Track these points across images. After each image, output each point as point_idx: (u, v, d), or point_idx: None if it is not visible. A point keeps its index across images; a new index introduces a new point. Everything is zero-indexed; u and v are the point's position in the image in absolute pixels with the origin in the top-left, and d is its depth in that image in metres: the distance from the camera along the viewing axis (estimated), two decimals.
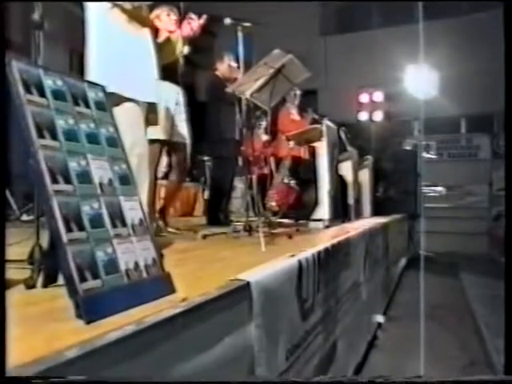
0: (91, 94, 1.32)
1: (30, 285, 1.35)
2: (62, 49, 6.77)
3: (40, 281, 1.36)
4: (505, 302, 1.71)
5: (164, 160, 3.35)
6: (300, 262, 1.82)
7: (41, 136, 1.09)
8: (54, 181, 1.06)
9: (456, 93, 6.75)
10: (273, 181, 3.55)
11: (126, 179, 1.29)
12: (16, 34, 6.33)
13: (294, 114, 4.85)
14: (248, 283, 1.38)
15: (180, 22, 2.97)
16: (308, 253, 1.97)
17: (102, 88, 1.39)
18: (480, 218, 7.05)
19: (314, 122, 3.96)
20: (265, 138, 5.15)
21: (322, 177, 3.60)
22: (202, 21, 2.83)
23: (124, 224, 1.21)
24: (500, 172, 6.66)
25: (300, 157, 3.68)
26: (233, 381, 1.18)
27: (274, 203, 3.46)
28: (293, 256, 1.84)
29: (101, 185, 1.19)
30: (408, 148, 7.24)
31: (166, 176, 3.52)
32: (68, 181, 1.10)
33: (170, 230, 2.96)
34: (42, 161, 1.06)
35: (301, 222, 3.96)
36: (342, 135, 5.47)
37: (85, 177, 1.15)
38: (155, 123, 2.25)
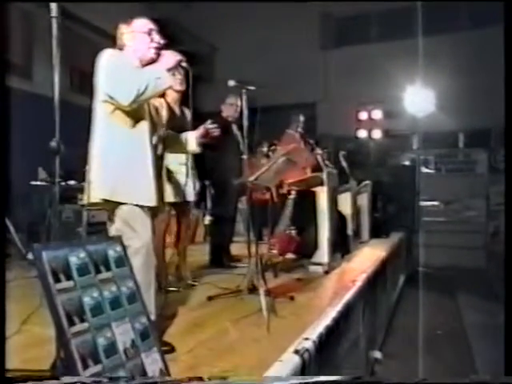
0: (111, 253, 1.44)
1: None
2: (62, 68, 6.76)
3: None
4: (505, 302, 1.84)
5: None
6: (303, 358, 1.97)
7: (71, 323, 1.22)
8: (85, 366, 1.20)
9: (454, 108, 6.81)
10: (275, 229, 3.69)
11: (147, 333, 1.43)
12: (17, 56, 6.35)
13: (298, 141, 4.73)
14: None
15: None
16: (310, 342, 2.12)
17: (119, 239, 1.51)
18: (477, 232, 7.22)
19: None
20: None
21: (321, 222, 3.73)
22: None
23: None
24: (497, 187, 6.78)
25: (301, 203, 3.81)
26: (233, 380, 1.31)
27: (275, 251, 3.61)
28: (296, 353, 1.98)
29: (125, 351, 1.32)
30: (406, 163, 7.35)
31: None
32: (97, 361, 1.23)
33: (171, 289, 3.05)
34: (75, 350, 1.19)
35: (302, 257, 4.13)
36: (342, 161, 5.56)
37: (111, 351, 1.28)
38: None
